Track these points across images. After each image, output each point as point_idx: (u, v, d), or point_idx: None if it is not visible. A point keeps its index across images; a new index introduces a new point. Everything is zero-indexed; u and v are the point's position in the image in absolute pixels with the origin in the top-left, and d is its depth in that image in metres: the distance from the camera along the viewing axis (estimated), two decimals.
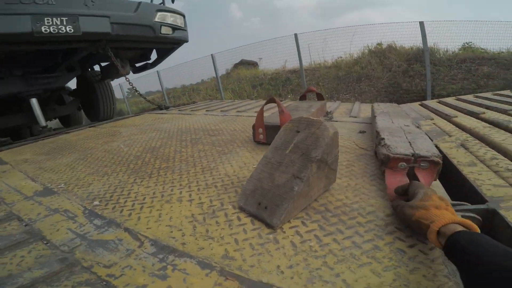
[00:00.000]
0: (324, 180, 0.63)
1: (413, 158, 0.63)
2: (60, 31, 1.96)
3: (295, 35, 6.58)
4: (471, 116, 1.52)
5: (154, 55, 3.31)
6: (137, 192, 0.80)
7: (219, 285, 0.43)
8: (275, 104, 1.37)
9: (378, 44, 7.65)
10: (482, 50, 7.08)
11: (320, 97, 1.85)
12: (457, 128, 1.28)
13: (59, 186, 0.89)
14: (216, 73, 8.19)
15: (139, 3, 2.47)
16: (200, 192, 0.76)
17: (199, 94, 9.97)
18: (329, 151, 0.61)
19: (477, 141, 1.04)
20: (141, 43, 2.67)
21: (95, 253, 0.52)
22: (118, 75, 2.99)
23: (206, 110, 2.41)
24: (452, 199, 0.65)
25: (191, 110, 2.52)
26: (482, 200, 0.62)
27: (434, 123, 1.42)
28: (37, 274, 0.47)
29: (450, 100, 2.19)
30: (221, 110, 2.32)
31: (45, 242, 0.57)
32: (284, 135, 0.68)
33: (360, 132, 1.28)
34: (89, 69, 3.55)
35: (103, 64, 3.32)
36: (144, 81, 11.25)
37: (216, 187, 0.78)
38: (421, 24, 5.39)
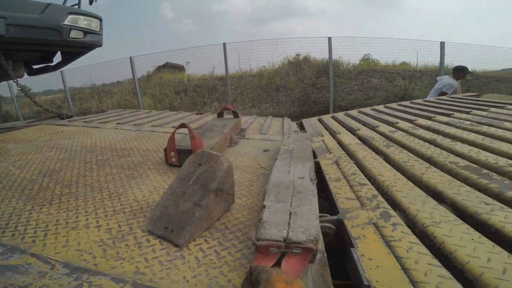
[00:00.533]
0: (222, 204, 0.77)
1: (284, 244, 0.57)
2: None
3: (224, 44, 6.77)
4: (350, 132, 1.93)
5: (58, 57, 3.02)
6: (37, 219, 0.77)
7: None
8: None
9: (296, 54, 8.54)
10: (376, 62, 8.75)
11: (235, 115, 2.03)
12: (338, 145, 1.63)
13: None
14: (134, 77, 7.60)
15: (48, 4, 2.37)
16: (108, 218, 0.79)
17: (112, 97, 9.02)
18: (225, 181, 0.74)
19: (348, 157, 1.37)
20: (43, 46, 2.54)
21: (5, 276, 0.52)
22: (7, 78, 2.62)
23: (117, 123, 2.28)
24: (326, 211, 0.87)
25: (99, 122, 2.33)
26: (337, 211, 0.86)
27: (322, 140, 1.77)
28: None
29: (340, 115, 2.69)
30: (134, 124, 2.24)
31: None
32: (188, 167, 0.78)
33: (265, 151, 1.49)
34: None
35: None
36: (44, 78, 9.59)
37: (125, 212, 0.82)
38: (329, 39, 6.29)
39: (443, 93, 3.94)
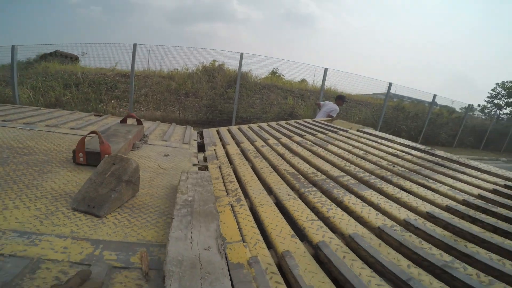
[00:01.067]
0: (131, 191, 1.15)
1: None
2: None
3: (134, 45, 6.49)
4: (236, 144, 2.52)
5: None
6: None
7: (74, 243, 0.83)
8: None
9: (213, 61, 8.88)
10: (282, 76, 10.02)
11: (139, 122, 2.31)
12: (224, 154, 2.18)
13: None
14: (12, 64, 6.30)
15: None
16: (32, 201, 1.03)
17: None
18: (133, 175, 1.13)
19: (228, 164, 1.93)
20: None
21: None
22: None
23: (3, 120, 2.16)
24: None
25: None
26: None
27: (214, 149, 2.29)
28: None
29: (234, 128, 3.29)
30: (24, 122, 2.19)
31: None
32: (104, 165, 1.12)
33: (165, 155, 1.88)
34: None
35: None
36: None
37: (47, 198, 1.08)
38: (241, 55, 6.98)
39: (331, 116, 5.04)
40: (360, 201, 1.34)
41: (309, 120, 3.96)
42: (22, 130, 1.97)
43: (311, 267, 0.87)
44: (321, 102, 5.66)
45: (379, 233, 1.08)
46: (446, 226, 1.14)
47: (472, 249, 0.98)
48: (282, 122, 3.68)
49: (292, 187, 1.53)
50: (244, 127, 3.41)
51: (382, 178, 1.66)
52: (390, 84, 8.93)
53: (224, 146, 2.46)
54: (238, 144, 2.54)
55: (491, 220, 1.18)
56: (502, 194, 1.51)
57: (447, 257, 0.93)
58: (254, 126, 3.45)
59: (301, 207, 1.27)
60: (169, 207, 1.19)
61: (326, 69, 7.42)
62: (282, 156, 2.11)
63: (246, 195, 1.44)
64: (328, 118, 4.50)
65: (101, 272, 0.75)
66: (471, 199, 1.38)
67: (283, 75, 10.72)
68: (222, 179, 1.62)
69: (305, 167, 1.83)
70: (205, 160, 2.08)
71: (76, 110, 3.65)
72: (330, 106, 5.34)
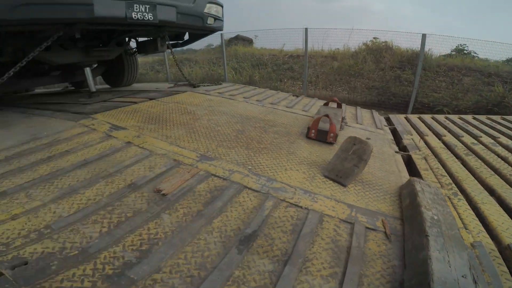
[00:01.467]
0: (364, 167, 1.42)
1: None
2: (144, 18, 2.45)
3: (305, 29, 7.08)
4: (436, 136, 2.36)
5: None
6: (259, 162, 1.52)
7: (337, 204, 1.20)
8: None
9: (374, 38, 8.30)
10: (474, 55, 7.99)
11: (339, 105, 2.61)
12: (425, 145, 2.12)
13: (208, 153, 1.57)
14: (223, 50, 8.46)
15: None
16: (298, 166, 1.49)
17: (196, 64, 10.18)
18: (369, 155, 1.38)
19: (433, 156, 1.89)
20: (190, 30, 3.25)
21: (278, 192, 1.27)
22: (155, 51, 3.53)
23: (244, 97, 3.05)
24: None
25: (229, 95, 3.14)
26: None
27: (412, 139, 2.26)
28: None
29: (427, 118, 3.03)
30: (256, 100, 2.99)
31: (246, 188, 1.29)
32: (346, 144, 1.44)
33: (367, 139, 2.08)
34: None
35: (139, 39, 3.78)
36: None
37: (304, 164, 1.52)
38: (423, 36, 6.08)
39: None
40: None
41: None
42: (258, 106, 2.72)
43: None
44: None
45: None
46: None
47: None
48: (496, 117, 2.99)
49: None
50: (440, 117, 3.05)
51: None
52: None
53: (421, 136, 2.36)
54: (438, 136, 2.36)
55: None
56: None
57: None
58: (454, 117, 3.02)
59: None
60: (389, 187, 1.39)
61: None
62: (504, 159, 1.81)
63: (462, 190, 1.42)
64: None
65: (361, 230, 1.04)
66: None
67: (475, 53, 8.22)
68: (432, 171, 1.64)
69: None
70: (404, 149, 2.12)
71: (267, 88, 4.48)
72: None
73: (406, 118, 3.07)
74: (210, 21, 3.25)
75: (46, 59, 2.69)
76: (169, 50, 3.65)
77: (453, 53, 8.64)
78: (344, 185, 1.32)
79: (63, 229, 0.96)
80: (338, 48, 8.84)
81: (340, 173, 1.35)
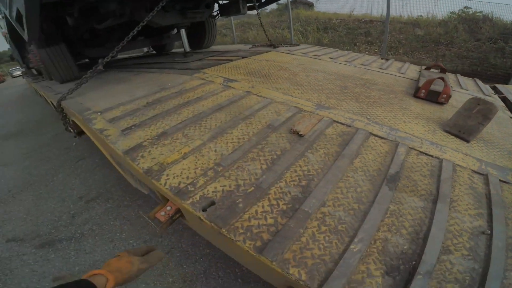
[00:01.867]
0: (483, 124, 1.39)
1: None
2: None
3: None
4: None
5: None
6: (375, 113, 1.59)
7: (466, 157, 1.24)
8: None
9: (465, 7, 7.23)
10: None
11: (443, 70, 2.44)
12: None
13: (322, 103, 1.69)
14: (289, 13, 8.17)
15: None
16: (414, 120, 1.52)
17: (251, 29, 10.08)
18: (493, 115, 1.35)
19: None
20: None
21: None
22: (237, 13, 3.62)
23: (330, 58, 3.03)
24: None
25: (314, 55, 3.15)
26: None
27: None
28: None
29: None
30: (345, 61, 2.94)
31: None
32: (469, 104, 1.41)
33: None
34: None
35: (221, 2, 3.89)
36: None
37: (420, 119, 1.53)
38: None
39: None
40: None
41: None
42: (349, 66, 2.69)
43: None
44: None
45: None
46: None
47: None
48: None
49: None
50: None
51: None
52: None
53: None
54: None
55: None
56: None
57: None
58: None
59: None
60: (511, 148, 1.35)
61: None
62: None
63: None
64: None
65: (495, 181, 1.07)
66: None
67: None
68: None
69: None
70: None
71: (350, 50, 4.27)
72: None
73: None
74: None
75: (152, 22, 2.95)
76: (255, 11, 3.72)
77: None
78: (467, 141, 1.33)
79: (230, 167, 1.04)
80: (421, 15, 7.88)
81: (463, 129, 1.36)
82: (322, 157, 1.15)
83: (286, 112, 1.51)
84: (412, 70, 2.76)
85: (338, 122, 1.42)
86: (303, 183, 1.00)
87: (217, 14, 4.15)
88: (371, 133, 1.32)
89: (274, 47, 3.59)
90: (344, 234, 0.82)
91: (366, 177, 1.05)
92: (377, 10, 8.33)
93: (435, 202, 0.95)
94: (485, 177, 1.09)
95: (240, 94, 1.77)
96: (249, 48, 3.83)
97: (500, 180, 1.09)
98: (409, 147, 1.24)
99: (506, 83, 5.55)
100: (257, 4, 3.99)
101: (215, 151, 1.15)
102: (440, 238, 0.81)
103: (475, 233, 0.86)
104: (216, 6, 4.01)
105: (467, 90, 2.36)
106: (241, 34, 10.84)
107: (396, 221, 0.87)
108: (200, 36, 4.68)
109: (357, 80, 2.19)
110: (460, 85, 2.54)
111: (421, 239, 0.82)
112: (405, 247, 0.79)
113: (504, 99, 2.39)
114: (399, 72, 2.61)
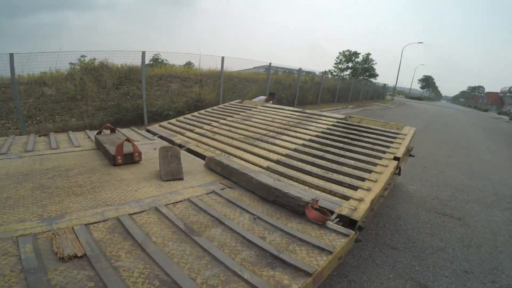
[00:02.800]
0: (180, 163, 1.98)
1: None
2: None
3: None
4: (189, 131, 3.36)
5: None
6: (107, 197, 1.57)
7: (191, 189, 1.70)
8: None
9: (82, 56, 8.08)
10: (166, 62, 10.07)
11: (112, 130, 2.82)
12: (188, 138, 3.03)
13: (45, 216, 1.33)
14: None
15: None
16: (141, 185, 1.74)
17: None
18: (180, 155, 1.96)
19: (198, 142, 2.83)
20: None
21: None
22: None
23: None
24: None
25: None
26: None
27: (179, 138, 3.08)
28: None
29: (174, 121, 3.97)
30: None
31: None
32: (162, 153, 1.91)
33: (154, 149, 2.60)
34: None
35: None
36: None
37: (142, 182, 1.79)
38: (143, 53, 6.86)
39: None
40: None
41: (227, 104, 5.04)
42: (16, 161, 2.21)
43: None
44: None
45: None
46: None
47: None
48: (203, 111, 4.59)
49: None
50: (181, 118, 4.14)
51: (285, 129, 3.07)
52: (270, 64, 11.10)
53: (182, 134, 3.27)
54: (191, 130, 3.40)
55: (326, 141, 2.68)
56: (338, 125, 3.17)
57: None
58: (189, 116, 4.24)
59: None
60: (197, 168, 2.10)
61: (223, 58, 8.44)
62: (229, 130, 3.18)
63: (228, 153, 2.47)
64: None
65: (218, 191, 1.68)
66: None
67: (166, 60, 11.14)
68: (206, 150, 2.56)
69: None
70: (180, 145, 2.88)
71: None
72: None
73: (160, 126, 3.84)
74: None
75: None
76: None
77: (151, 62, 10.53)
78: (182, 179, 1.83)
79: None
80: (44, 72, 7.62)
81: (174, 172, 1.83)
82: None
83: (21, 248, 1.06)
84: (83, 139, 2.84)
85: (91, 224, 1.28)
86: None
87: None
88: (130, 214, 1.37)
89: None
90: None
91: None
92: None
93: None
94: (211, 191, 1.64)
95: None
96: None
97: (219, 190, 1.70)
98: (165, 205, 1.49)
99: (143, 122, 7.28)
100: None
101: None
102: None
103: None
104: None
105: (138, 141, 2.96)
106: None
107: None
108: None
109: (46, 173, 1.91)
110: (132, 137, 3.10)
111: None
112: None
113: (161, 137, 3.32)
114: (75, 146, 2.57)
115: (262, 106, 4.70)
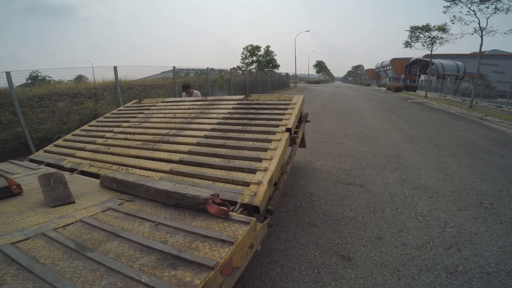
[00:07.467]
0: (67, 187, 1.94)
1: None
2: None
3: None
4: (80, 150, 3.16)
5: None
6: None
7: (84, 210, 1.70)
8: None
9: None
10: (50, 79, 8.68)
11: None
12: (81, 158, 2.88)
13: None
14: None
15: None
16: (21, 217, 1.63)
17: None
18: (65, 179, 1.92)
19: (91, 161, 2.73)
20: None
21: None
22: None
23: None
24: None
25: None
26: None
27: (68, 162, 2.89)
28: None
29: (54, 144, 3.60)
30: None
31: None
32: (43, 181, 1.83)
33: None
34: None
35: None
36: None
37: (27, 212, 1.68)
38: (8, 73, 5.65)
39: None
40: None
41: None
42: None
43: None
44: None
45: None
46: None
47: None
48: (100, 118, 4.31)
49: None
50: (60, 141, 3.79)
51: (187, 123, 3.26)
52: (174, 67, 10.88)
53: (69, 156, 3.04)
54: (80, 149, 3.19)
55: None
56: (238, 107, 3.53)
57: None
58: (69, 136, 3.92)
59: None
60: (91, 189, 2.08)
61: (115, 67, 7.75)
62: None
63: (128, 166, 2.50)
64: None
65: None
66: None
67: (49, 77, 9.82)
68: (100, 168, 2.52)
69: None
70: (72, 170, 2.72)
71: None
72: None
73: (45, 151, 3.42)
74: None
75: None
76: None
77: (30, 81, 8.99)
78: (73, 202, 1.79)
79: None
80: None
81: (62, 197, 1.78)
82: None
83: None
84: None
85: None
86: None
87: None
88: (12, 243, 1.31)
89: None
90: None
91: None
92: None
93: None
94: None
95: None
96: None
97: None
98: (53, 229, 1.45)
99: (29, 151, 6.21)
100: None
101: None
102: None
103: None
104: None
105: (19, 173, 2.65)
106: None
107: None
108: None
109: None
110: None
111: None
112: None
113: (48, 164, 3.00)
114: None
115: (162, 102, 4.49)
